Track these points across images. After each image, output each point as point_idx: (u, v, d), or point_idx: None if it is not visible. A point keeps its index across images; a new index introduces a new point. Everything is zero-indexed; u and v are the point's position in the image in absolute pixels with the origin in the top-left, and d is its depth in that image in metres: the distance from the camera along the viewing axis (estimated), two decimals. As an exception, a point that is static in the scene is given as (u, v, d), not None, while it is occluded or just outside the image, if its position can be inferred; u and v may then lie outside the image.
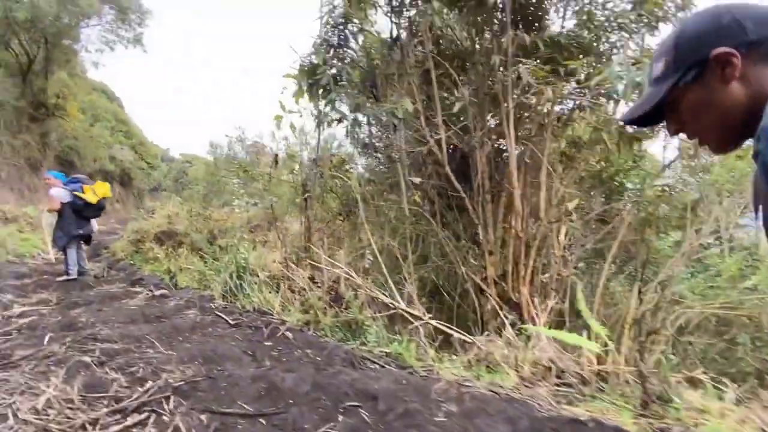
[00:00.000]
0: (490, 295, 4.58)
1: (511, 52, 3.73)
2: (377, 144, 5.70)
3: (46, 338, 3.00)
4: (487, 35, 3.78)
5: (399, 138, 3.64)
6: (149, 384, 2.36)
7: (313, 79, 3.40)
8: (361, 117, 3.74)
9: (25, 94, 12.25)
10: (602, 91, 2.99)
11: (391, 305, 3.58)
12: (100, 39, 13.08)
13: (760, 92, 0.56)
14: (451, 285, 4.85)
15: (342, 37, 3.50)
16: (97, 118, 23.76)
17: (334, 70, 3.35)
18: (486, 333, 3.99)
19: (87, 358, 2.67)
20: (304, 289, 4.44)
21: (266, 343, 3.20)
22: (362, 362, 2.87)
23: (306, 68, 3.49)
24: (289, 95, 5.04)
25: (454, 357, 3.14)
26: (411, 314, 3.46)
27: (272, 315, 4.09)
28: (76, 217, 5.67)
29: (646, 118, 0.69)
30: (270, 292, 4.65)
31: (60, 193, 5.58)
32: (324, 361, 2.78)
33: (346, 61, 3.47)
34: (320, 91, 3.44)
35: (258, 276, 4.81)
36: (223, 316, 3.95)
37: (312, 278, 4.91)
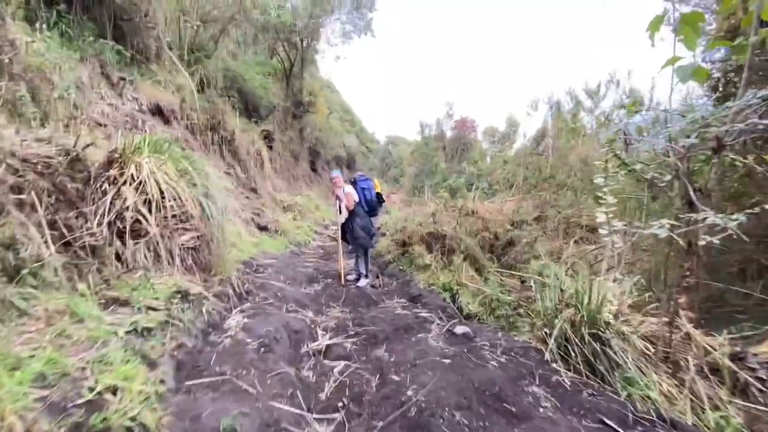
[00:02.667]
0: None
1: None
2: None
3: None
4: None
5: None
6: None
7: None
8: None
9: (287, 95, 14.05)
10: None
11: None
12: (341, 31, 13.87)
13: None
14: None
15: None
16: (330, 111, 27.22)
17: None
18: None
19: None
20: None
21: None
22: None
23: None
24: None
25: None
26: None
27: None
28: (368, 215, 5.28)
29: None
30: (655, 372, 2.70)
31: (353, 191, 5.20)
32: None
33: None
34: None
35: (622, 334, 2.92)
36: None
37: (740, 357, 2.66)
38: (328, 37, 13.92)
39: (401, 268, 5.76)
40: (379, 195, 5.39)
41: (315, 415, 2.35)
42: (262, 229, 7.88)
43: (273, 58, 14.34)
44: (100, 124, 5.79)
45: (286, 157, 14.87)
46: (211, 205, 3.91)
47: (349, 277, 5.51)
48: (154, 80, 7.70)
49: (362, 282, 5.30)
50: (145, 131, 6.88)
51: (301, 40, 12.90)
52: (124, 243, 3.20)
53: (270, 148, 12.98)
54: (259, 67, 15.24)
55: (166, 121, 7.68)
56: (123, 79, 6.80)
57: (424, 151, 23.75)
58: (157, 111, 7.47)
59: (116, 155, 3.51)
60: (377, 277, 5.55)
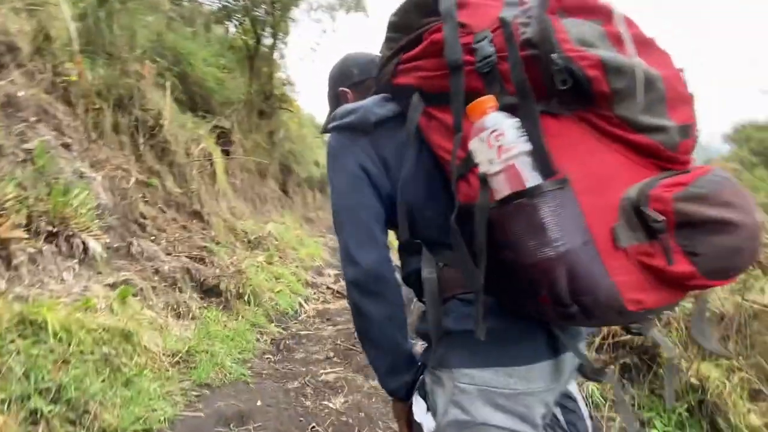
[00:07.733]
0: None
1: None
2: None
3: None
4: None
5: None
6: None
7: None
8: None
9: (252, 83, 10.10)
10: None
11: None
12: (326, 5, 10.30)
13: None
14: None
15: None
16: (303, 125, 23.30)
17: None
18: None
19: None
20: None
21: None
22: None
23: None
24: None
25: None
26: None
27: None
28: None
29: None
30: None
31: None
32: None
33: None
34: None
35: None
36: None
37: None
38: (309, 6, 10.28)
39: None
40: None
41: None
42: (207, 292, 3.74)
43: (237, 29, 10.40)
44: None
45: (249, 169, 10.70)
46: None
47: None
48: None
49: None
50: None
51: (273, 2, 9.16)
52: None
53: (226, 153, 8.83)
54: (213, 50, 11.22)
55: (-9, 66, 3.50)
56: None
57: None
58: (-39, 36, 3.30)
59: None
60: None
